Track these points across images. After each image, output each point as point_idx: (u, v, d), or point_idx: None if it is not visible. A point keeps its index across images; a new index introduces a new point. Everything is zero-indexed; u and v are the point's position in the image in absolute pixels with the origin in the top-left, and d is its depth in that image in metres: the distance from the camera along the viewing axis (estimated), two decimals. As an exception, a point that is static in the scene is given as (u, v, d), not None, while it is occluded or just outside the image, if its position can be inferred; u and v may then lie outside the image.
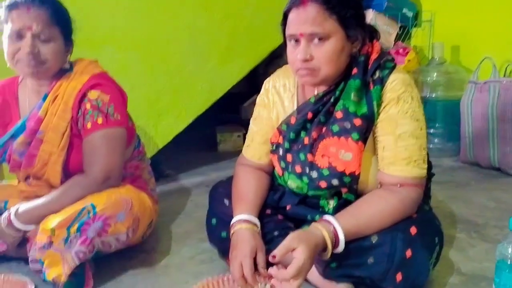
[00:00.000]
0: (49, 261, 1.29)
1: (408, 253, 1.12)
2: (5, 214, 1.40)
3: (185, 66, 2.27)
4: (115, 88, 1.53)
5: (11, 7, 1.39)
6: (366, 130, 1.22)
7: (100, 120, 1.45)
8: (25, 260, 1.43)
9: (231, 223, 1.31)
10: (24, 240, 1.40)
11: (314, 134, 1.27)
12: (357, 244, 1.16)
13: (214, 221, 1.46)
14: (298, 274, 1.06)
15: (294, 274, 1.06)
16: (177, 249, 1.60)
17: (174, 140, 2.35)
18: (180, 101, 2.29)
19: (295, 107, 1.34)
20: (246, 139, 1.48)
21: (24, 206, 1.40)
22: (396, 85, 1.21)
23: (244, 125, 2.95)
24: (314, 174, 1.26)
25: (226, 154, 2.77)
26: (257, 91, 3.54)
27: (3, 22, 1.40)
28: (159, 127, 2.28)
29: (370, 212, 1.17)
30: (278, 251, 1.09)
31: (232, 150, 2.83)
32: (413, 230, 1.15)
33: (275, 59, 2.96)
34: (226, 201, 1.44)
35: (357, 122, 1.21)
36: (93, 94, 1.46)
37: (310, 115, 1.28)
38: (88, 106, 1.45)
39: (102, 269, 1.42)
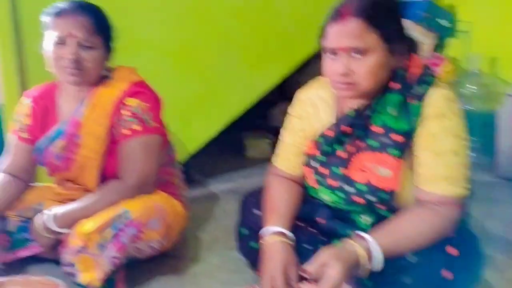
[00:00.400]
0: (82, 265, 1.31)
1: (448, 274, 1.09)
2: (40, 216, 1.43)
3: (217, 73, 2.27)
4: (153, 96, 1.55)
5: (56, 14, 1.42)
6: (405, 146, 1.19)
7: (137, 127, 1.47)
8: (58, 262, 1.46)
9: (263, 234, 1.30)
10: (58, 243, 1.43)
11: (351, 148, 1.25)
12: (393, 263, 1.13)
13: (244, 231, 1.46)
14: None
15: None
16: (206, 256, 1.61)
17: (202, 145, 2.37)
18: (210, 107, 2.30)
19: (332, 120, 1.32)
20: (277, 149, 1.47)
21: (60, 209, 1.42)
22: (437, 100, 1.19)
23: (272, 132, 2.94)
24: (350, 189, 1.24)
25: (254, 161, 2.76)
26: (286, 98, 3.50)
27: (48, 29, 1.44)
28: (190, 133, 2.29)
29: (408, 230, 1.15)
30: (311, 266, 1.08)
31: (260, 157, 2.81)
32: (453, 250, 1.12)
33: (306, 67, 2.94)
34: (257, 211, 1.44)
35: (396, 138, 1.19)
36: (131, 102, 1.48)
37: (347, 129, 1.26)
38: (126, 113, 1.47)
39: (133, 274, 1.44)
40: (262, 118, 3.06)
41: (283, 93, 3.31)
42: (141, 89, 1.52)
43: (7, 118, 1.89)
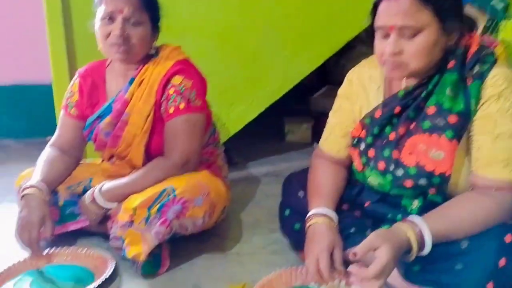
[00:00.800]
0: (129, 239, 1.34)
1: (502, 262, 1.05)
2: (89, 191, 1.47)
3: (260, 54, 2.25)
4: (197, 75, 1.55)
5: None
6: (461, 128, 1.14)
7: (182, 106, 1.47)
8: (105, 237, 1.50)
9: (307, 216, 1.29)
10: (105, 217, 1.47)
11: (401, 129, 1.21)
12: (444, 248, 1.10)
13: (287, 212, 1.45)
14: (380, 274, 1.02)
15: (376, 274, 1.02)
16: (248, 237, 1.61)
17: (242, 128, 2.36)
18: (253, 89, 2.28)
19: (381, 100, 1.28)
20: (325, 131, 1.44)
21: (107, 185, 1.45)
22: (498, 80, 1.13)
23: (313, 116, 2.90)
24: (399, 172, 1.21)
25: (294, 145, 2.74)
26: (327, 82, 3.46)
27: (97, 5, 1.45)
28: (231, 115, 2.28)
29: (461, 215, 1.11)
30: (359, 249, 1.05)
31: (300, 141, 2.80)
32: (509, 237, 1.07)
33: (347, 50, 2.88)
34: (301, 193, 1.42)
35: (452, 119, 1.14)
36: (176, 80, 1.49)
37: (398, 109, 1.22)
38: (171, 91, 1.48)
39: (177, 250, 1.45)
40: (303, 102, 3.03)
41: (324, 77, 3.27)
42: (186, 68, 1.53)
43: (56, 95, 1.95)
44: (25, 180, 1.51)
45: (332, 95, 3.33)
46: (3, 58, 2.71)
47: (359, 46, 3.23)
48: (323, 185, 1.34)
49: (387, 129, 1.24)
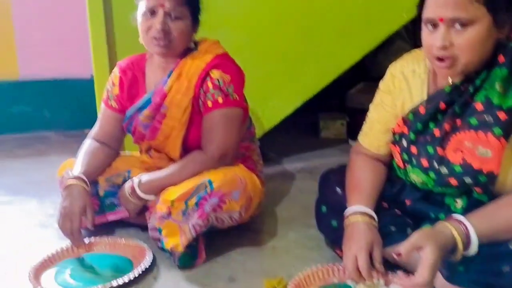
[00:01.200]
0: (167, 231, 1.35)
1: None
2: (128, 183, 1.49)
3: (296, 49, 2.23)
4: (236, 69, 1.55)
5: None
6: (510, 125, 1.09)
7: (220, 99, 1.48)
8: (143, 227, 1.53)
9: (345, 213, 1.27)
10: (144, 209, 1.49)
11: (446, 126, 1.17)
12: (491, 248, 1.06)
13: (324, 208, 1.43)
14: (429, 277, 0.99)
15: (430, 276, 0.99)
16: (284, 232, 1.60)
17: (276, 123, 2.35)
18: (288, 84, 2.27)
19: (425, 96, 1.24)
20: (364, 126, 1.41)
21: (146, 177, 1.47)
22: None
23: (348, 112, 2.86)
24: (444, 170, 1.17)
25: (328, 141, 2.71)
26: (364, 78, 3.39)
27: (139, 0, 1.47)
28: (266, 110, 2.28)
29: (508, 216, 1.06)
30: (404, 248, 1.03)
31: (334, 138, 2.76)
32: None
33: (385, 45, 2.81)
34: (338, 189, 1.40)
35: (502, 115, 1.09)
36: (215, 74, 1.49)
37: (443, 105, 1.18)
38: (210, 85, 1.48)
39: (213, 243, 1.46)
40: (338, 98, 2.98)
41: (361, 73, 3.21)
42: (223, 61, 1.53)
43: (97, 88, 1.99)
44: (67, 170, 1.54)
45: (369, 91, 3.26)
46: (46, 54, 2.79)
47: (398, 41, 3.16)
48: (363, 182, 1.31)
49: (431, 125, 1.21)
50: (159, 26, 1.42)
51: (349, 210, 1.26)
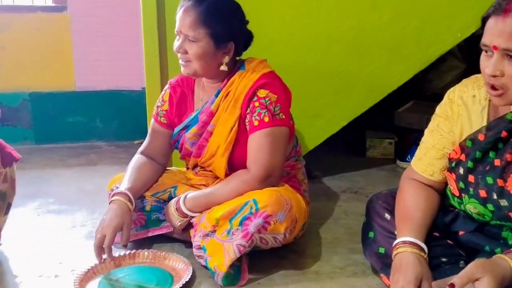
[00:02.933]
0: (211, 250, 1.35)
1: None
2: (175, 199, 1.52)
3: (346, 67, 2.20)
4: (283, 88, 1.55)
5: (179, 7, 1.49)
6: None
7: (266, 119, 1.47)
8: (187, 244, 1.54)
9: (395, 243, 1.22)
10: (189, 225, 1.50)
11: (508, 156, 1.11)
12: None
13: (371, 234, 1.39)
14: None
15: None
16: (328, 256, 1.56)
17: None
18: (336, 103, 2.24)
19: (485, 122, 1.18)
20: (418, 151, 1.35)
21: (191, 194, 1.49)
22: None
23: (396, 132, 2.79)
24: (504, 203, 1.11)
25: (374, 161, 2.65)
26: (413, 97, 3.29)
27: None
28: (313, 128, 2.26)
29: None
30: (458, 280, 0.98)
31: (381, 157, 2.69)
32: None
33: (436, 63, 2.73)
34: (387, 215, 1.36)
35: None
36: (262, 93, 1.49)
37: (504, 133, 1.12)
38: (256, 104, 1.49)
39: (256, 264, 1.45)
40: (386, 116, 2.92)
41: (410, 91, 3.13)
42: (271, 81, 1.52)
43: (148, 101, 2.04)
44: (116, 184, 1.59)
45: (419, 110, 3.18)
46: (100, 66, 2.91)
47: (450, 59, 3.07)
48: (414, 211, 1.25)
49: (491, 154, 1.15)
50: (174, 49, 1.48)
51: (399, 240, 1.21)
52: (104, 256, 1.41)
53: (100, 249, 1.40)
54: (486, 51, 1.09)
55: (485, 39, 1.08)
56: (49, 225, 1.83)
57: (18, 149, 1.39)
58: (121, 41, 2.88)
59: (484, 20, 1.10)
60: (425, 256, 1.18)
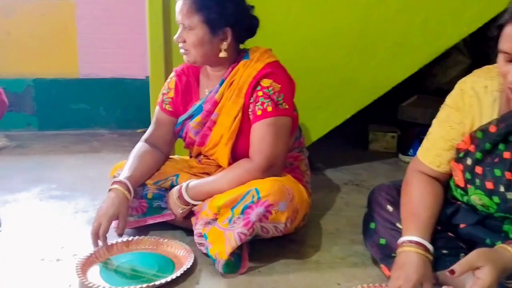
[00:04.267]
0: (212, 237, 1.36)
1: None
2: (177, 187, 1.52)
3: (350, 60, 2.19)
4: (287, 78, 1.54)
5: None
6: None
7: (270, 108, 1.47)
8: (188, 232, 1.55)
9: (401, 241, 1.20)
10: (190, 213, 1.51)
11: (518, 149, 1.11)
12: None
13: (373, 225, 1.39)
14: None
15: None
16: (328, 246, 1.57)
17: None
18: (340, 95, 2.23)
19: (496, 114, 1.17)
20: (425, 142, 1.34)
21: (193, 182, 1.50)
22: None
23: (399, 126, 2.79)
24: (510, 195, 1.10)
25: (377, 154, 2.65)
26: (417, 91, 3.27)
27: None
28: (315, 120, 2.25)
29: None
30: (459, 266, 0.98)
31: (383, 151, 2.70)
32: None
33: (441, 58, 2.72)
34: (389, 207, 1.36)
35: None
36: (265, 82, 1.49)
37: None
38: (260, 93, 1.48)
39: (257, 252, 1.45)
40: (390, 110, 2.91)
41: (414, 85, 3.13)
42: (275, 70, 1.52)
43: (152, 89, 2.04)
44: (118, 171, 1.59)
45: (423, 104, 3.17)
46: (104, 54, 2.91)
47: (455, 54, 3.06)
48: (421, 209, 1.24)
49: (501, 146, 1.14)
50: (174, 38, 1.49)
51: (405, 239, 1.20)
52: (100, 244, 1.41)
53: (96, 236, 1.41)
54: (506, 58, 1.06)
55: (505, 47, 1.05)
56: (52, 210, 1.84)
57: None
58: (125, 29, 2.87)
59: (500, 27, 1.08)
60: (431, 258, 1.17)
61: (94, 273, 1.35)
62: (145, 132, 1.70)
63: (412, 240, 1.18)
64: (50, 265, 1.43)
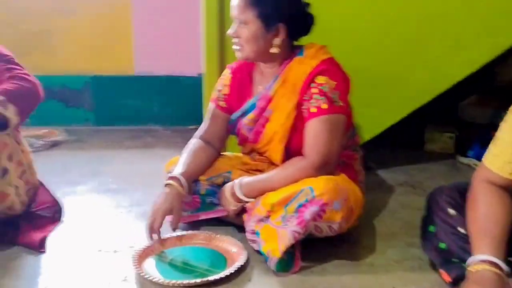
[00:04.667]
0: (265, 235, 1.35)
1: None
2: (229, 184, 1.52)
3: (407, 54, 2.11)
4: (342, 75, 1.51)
5: None
6: None
7: (324, 106, 1.45)
8: (240, 228, 1.54)
9: (473, 260, 1.13)
10: (243, 210, 1.51)
11: None
12: None
13: (432, 228, 1.33)
14: None
15: None
16: (383, 248, 1.52)
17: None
18: (395, 91, 2.15)
19: None
20: (493, 148, 1.24)
21: (246, 179, 1.49)
22: None
23: (458, 126, 2.66)
24: None
25: (433, 155, 2.54)
26: (477, 90, 3.11)
27: None
28: (369, 117, 2.18)
29: None
30: None
31: (440, 151, 2.58)
32: None
33: (506, 55, 2.57)
34: (451, 210, 1.30)
35: None
36: (320, 79, 1.46)
37: None
38: (315, 90, 1.46)
39: (309, 252, 1.43)
40: (448, 109, 2.78)
41: (474, 83, 2.97)
42: (330, 67, 1.49)
43: (206, 87, 2.06)
44: (173, 166, 1.61)
45: (484, 104, 3.01)
46: (159, 52, 2.97)
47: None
48: (492, 225, 1.16)
49: None
50: (229, 32, 1.49)
51: (477, 258, 1.13)
52: (155, 237, 1.44)
53: (151, 230, 1.44)
54: None
55: None
56: (108, 203, 1.90)
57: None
58: (180, 26, 2.92)
59: None
60: (507, 281, 1.10)
61: (150, 265, 1.38)
62: (197, 129, 1.71)
63: (486, 259, 1.11)
64: (108, 256, 1.47)
